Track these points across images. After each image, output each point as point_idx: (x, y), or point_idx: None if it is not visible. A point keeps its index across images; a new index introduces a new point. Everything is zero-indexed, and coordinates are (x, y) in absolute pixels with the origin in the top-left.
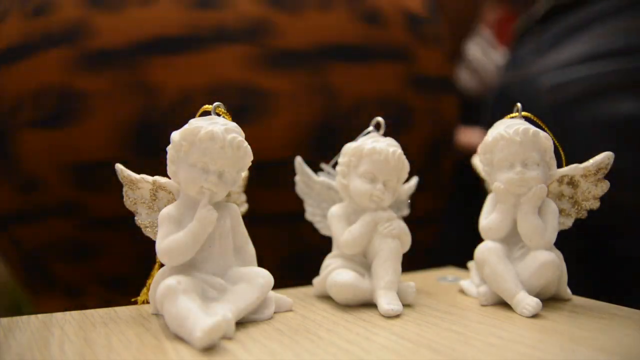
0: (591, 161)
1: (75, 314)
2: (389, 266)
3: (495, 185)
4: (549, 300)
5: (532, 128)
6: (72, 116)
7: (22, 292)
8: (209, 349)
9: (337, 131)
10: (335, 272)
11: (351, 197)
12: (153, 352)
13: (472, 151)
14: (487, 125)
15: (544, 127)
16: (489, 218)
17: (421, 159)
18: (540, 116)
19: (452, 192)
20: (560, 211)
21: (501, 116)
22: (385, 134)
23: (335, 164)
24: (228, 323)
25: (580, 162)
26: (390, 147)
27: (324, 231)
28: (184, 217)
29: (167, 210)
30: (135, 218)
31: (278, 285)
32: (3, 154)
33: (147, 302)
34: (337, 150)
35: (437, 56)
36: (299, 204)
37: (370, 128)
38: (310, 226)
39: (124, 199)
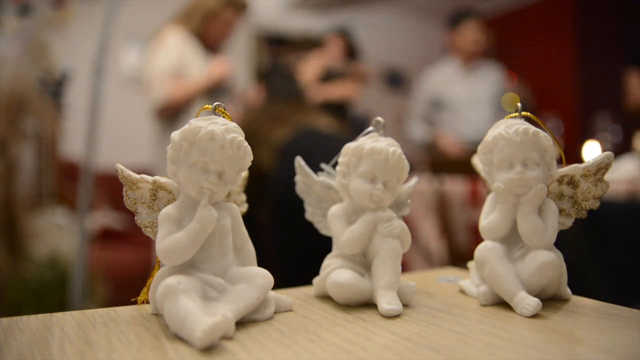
0: (591, 161)
1: (75, 314)
2: (389, 266)
3: (495, 185)
4: (549, 300)
5: (532, 128)
6: None
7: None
8: (209, 348)
9: None
10: (335, 272)
11: (351, 197)
12: (153, 352)
13: None
14: None
15: (544, 127)
16: (489, 218)
17: None
18: None
19: None
20: (560, 211)
21: None
22: None
23: (336, 164)
24: (228, 323)
25: None
26: (390, 147)
27: (324, 231)
28: (184, 217)
29: (167, 210)
30: (136, 218)
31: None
32: None
33: (147, 302)
34: None
35: None
36: None
37: (370, 128)
38: None
39: (124, 199)
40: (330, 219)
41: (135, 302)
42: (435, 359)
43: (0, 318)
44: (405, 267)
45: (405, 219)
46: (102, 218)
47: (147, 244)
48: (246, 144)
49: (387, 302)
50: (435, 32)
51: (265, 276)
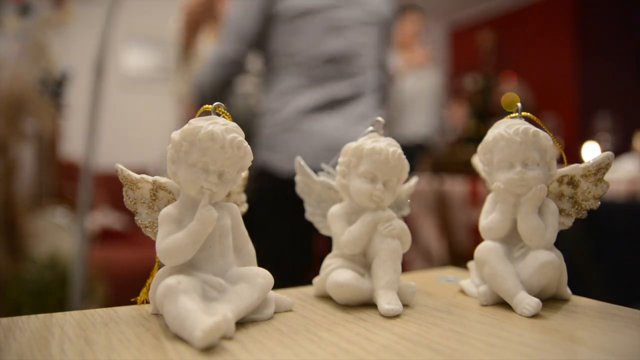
0: (591, 161)
1: (75, 314)
2: (389, 266)
3: (495, 185)
4: (549, 300)
5: (532, 128)
6: None
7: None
8: (209, 348)
9: None
10: (335, 272)
11: (351, 197)
12: (153, 352)
13: None
14: None
15: (544, 127)
16: (489, 218)
17: None
18: None
19: None
20: (560, 211)
21: None
22: None
23: (336, 163)
24: (228, 323)
25: None
26: (390, 147)
27: (324, 231)
28: (184, 217)
29: (167, 210)
30: (136, 218)
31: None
32: None
33: (147, 302)
34: None
35: None
36: None
37: (370, 128)
38: None
39: (124, 199)
40: (330, 219)
41: (135, 302)
42: (435, 359)
43: (0, 318)
44: (405, 267)
45: (405, 219)
46: (102, 218)
47: (147, 244)
48: (246, 144)
49: (387, 302)
50: (435, 32)
51: (265, 276)
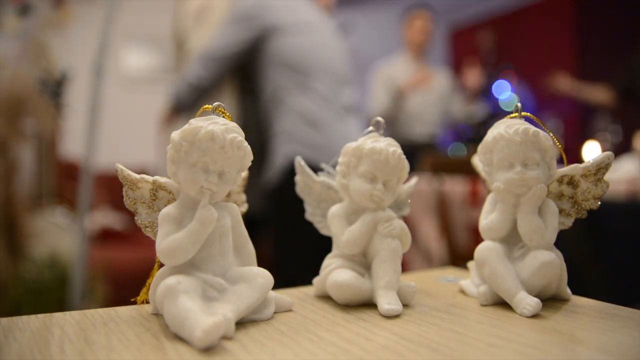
0: (591, 161)
1: (75, 314)
2: (388, 266)
3: (495, 185)
4: (549, 300)
5: (532, 128)
6: None
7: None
8: (209, 348)
9: None
10: (335, 272)
11: (351, 197)
12: (153, 352)
13: None
14: None
15: (544, 127)
16: (489, 218)
17: None
18: None
19: None
20: (560, 211)
21: None
22: None
23: (336, 163)
24: (228, 323)
25: None
26: (390, 147)
27: (324, 231)
28: (184, 217)
29: (167, 210)
30: (136, 218)
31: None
32: None
33: (147, 302)
34: None
35: None
36: None
37: (370, 128)
38: None
39: (124, 199)
40: (330, 219)
41: (135, 302)
42: (435, 359)
43: (0, 318)
44: (405, 267)
45: (405, 219)
46: (102, 218)
47: (147, 244)
48: (246, 144)
49: (387, 302)
50: (435, 33)
51: (265, 276)
